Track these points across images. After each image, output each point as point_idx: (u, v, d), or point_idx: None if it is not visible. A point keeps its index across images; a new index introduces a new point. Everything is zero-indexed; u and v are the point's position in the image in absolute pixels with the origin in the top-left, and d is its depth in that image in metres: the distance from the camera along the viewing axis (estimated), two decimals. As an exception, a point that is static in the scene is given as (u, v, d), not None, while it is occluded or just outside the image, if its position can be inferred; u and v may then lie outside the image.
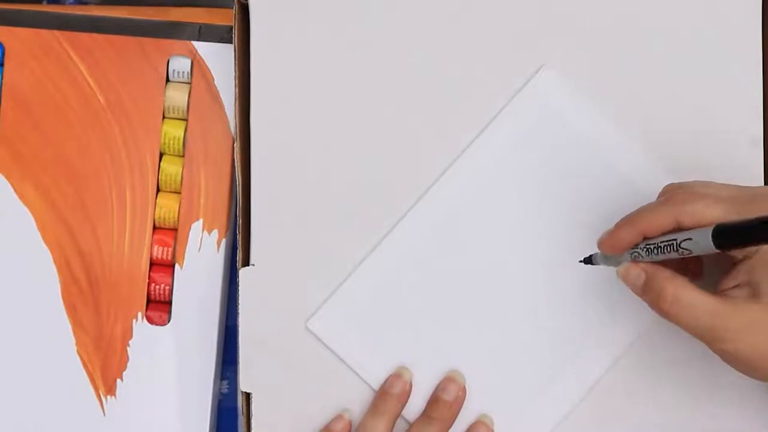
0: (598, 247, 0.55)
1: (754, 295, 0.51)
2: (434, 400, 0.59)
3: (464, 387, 0.60)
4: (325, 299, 0.60)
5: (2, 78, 0.64)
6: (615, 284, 0.59)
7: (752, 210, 0.50)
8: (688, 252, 0.50)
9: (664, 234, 0.52)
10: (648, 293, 0.53)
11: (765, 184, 0.60)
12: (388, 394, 0.60)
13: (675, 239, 0.51)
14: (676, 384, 0.60)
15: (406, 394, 0.60)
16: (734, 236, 0.48)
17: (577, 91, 0.60)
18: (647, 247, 0.53)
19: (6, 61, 0.64)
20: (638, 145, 0.60)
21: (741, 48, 0.60)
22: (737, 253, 0.52)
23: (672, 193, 0.53)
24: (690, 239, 0.50)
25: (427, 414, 0.59)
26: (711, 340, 0.51)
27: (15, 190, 0.64)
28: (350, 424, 0.60)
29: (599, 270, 0.59)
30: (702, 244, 0.50)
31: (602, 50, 0.60)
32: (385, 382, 0.60)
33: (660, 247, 0.52)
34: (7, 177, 0.64)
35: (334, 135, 0.61)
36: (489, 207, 0.60)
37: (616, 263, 0.55)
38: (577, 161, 0.60)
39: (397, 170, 0.61)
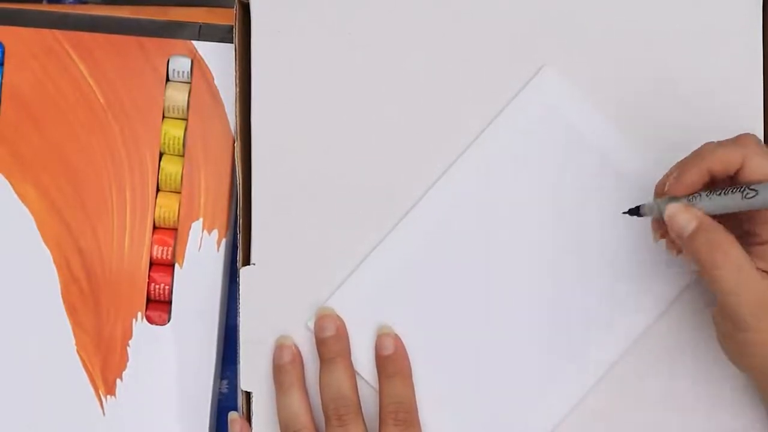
0: (666, 191, 0.54)
1: None
2: (381, 359, 0.59)
3: (396, 335, 0.60)
4: (326, 298, 0.60)
5: (2, 78, 0.64)
6: (617, 281, 0.59)
7: None
8: (753, 194, 0.50)
9: (728, 175, 0.52)
10: (696, 241, 0.52)
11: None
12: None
13: (741, 185, 0.51)
14: (681, 381, 0.60)
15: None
16: None
17: (577, 90, 0.60)
18: (708, 191, 0.52)
19: (6, 61, 0.64)
20: (638, 144, 0.60)
21: (741, 47, 0.60)
22: (765, 234, 0.52)
23: (744, 137, 0.53)
24: (759, 187, 0.50)
25: (384, 375, 0.59)
26: (749, 309, 0.50)
27: (15, 190, 0.64)
28: (299, 353, 0.60)
29: (600, 268, 0.59)
30: None
31: (602, 50, 0.60)
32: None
33: (723, 189, 0.52)
34: (7, 177, 0.64)
35: (334, 134, 0.61)
36: (489, 206, 0.60)
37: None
38: (577, 160, 0.60)
39: (398, 169, 0.61)
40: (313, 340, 0.60)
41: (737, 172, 0.52)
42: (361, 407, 0.59)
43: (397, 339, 0.60)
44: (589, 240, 0.60)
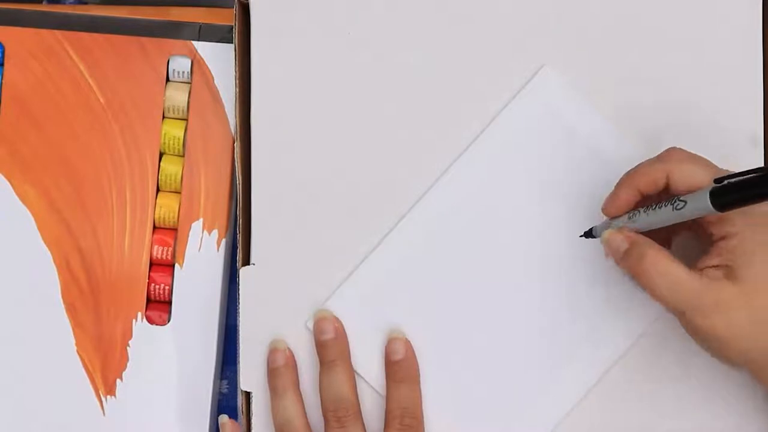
0: (603, 213, 0.55)
1: (729, 276, 0.51)
2: (391, 364, 0.59)
3: (407, 340, 0.60)
4: (326, 299, 0.60)
5: (2, 78, 0.64)
6: (617, 283, 0.59)
7: None
8: (682, 204, 0.51)
9: (657, 191, 0.53)
10: (629, 258, 0.53)
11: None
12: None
13: (672, 197, 0.52)
14: (676, 384, 0.60)
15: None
16: (733, 194, 0.49)
17: (576, 90, 0.60)
18: (645, 207, 0.53)
19: (6, 61, 0.64)
20: (637, 144, 0.60)
21: (741, 47, 0.60)
22: (717, 231, 0.52)
23: (668, 151, 0.54)
24: (687, 197, 0.51)
25: (393, 380, 0.59)
26: (689, 310, 0.51)
27: (15, 190, 0.64)
28: (292, 356, 0.60)
29: (600, 267, 0.59)
30: (699, 203, 0.50)
31: (602, 50, 0.60)
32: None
33: (657, 204, 0.53)
34: (7, 177, 0.64)
35: (334, 134, 0.61)
36: (489, 206, 0.60)
37: None
38: (576, 160, 0.60)
39: (397, 170, 0.61)
40: (313, 341, 0.60)
41: (667, 187, 0.53)
42: (360, 409, 0.59)
43: (407, 343, 0.60)
44: (588, 239, 0.60)
